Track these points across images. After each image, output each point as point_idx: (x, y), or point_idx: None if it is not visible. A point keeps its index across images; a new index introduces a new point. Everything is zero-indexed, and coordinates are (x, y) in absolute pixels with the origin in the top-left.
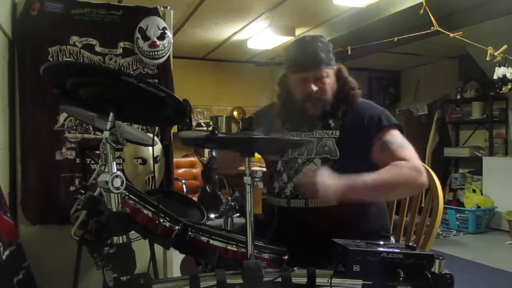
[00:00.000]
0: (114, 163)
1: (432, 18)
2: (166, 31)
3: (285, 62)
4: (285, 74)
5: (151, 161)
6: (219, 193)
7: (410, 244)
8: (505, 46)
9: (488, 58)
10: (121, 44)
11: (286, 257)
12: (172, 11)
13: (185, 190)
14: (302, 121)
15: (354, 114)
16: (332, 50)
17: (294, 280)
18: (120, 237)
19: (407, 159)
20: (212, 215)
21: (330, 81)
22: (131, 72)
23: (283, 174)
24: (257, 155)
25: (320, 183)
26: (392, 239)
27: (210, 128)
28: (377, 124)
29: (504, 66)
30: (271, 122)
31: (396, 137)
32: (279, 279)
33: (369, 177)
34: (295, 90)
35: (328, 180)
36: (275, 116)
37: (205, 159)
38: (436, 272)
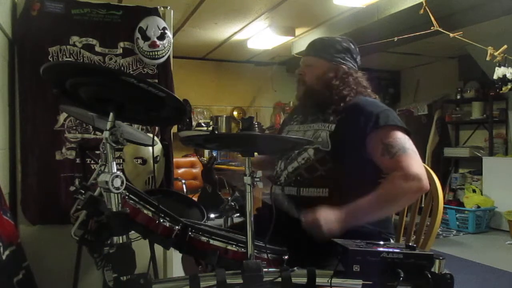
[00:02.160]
0: (114, 163)
1: (432, 18)
2: (166, 31)
3: None
4: None
5: (151, 161)
6: (219, 193)
7: (410, 244)
8: (505, 46)
9: (488, 58)
10: (121, 44)
11: (286, 257)
12: (172, 11)
13: (185, 190)
14: (307, 114)
15: (354, 110)
16: (341, 49)
17: (294, 280)
18: (120, 237)
19: (404, 166)
20: (212, 215)
21: (317, 71)
22: (131, 72)
23: (280, 162)
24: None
25: (322, 218)
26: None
27: (210, 128)
28: (374, 122)
29: (504, 66)
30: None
31: (396, 139)
32: (279, 279)
33: (365, 202)
34: None
35: (329, 215)
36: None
37: (205, 159)
38: (436, 272)
